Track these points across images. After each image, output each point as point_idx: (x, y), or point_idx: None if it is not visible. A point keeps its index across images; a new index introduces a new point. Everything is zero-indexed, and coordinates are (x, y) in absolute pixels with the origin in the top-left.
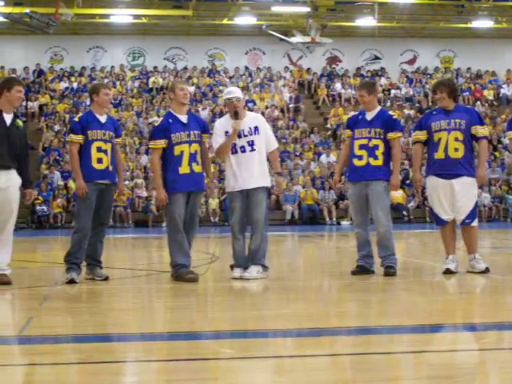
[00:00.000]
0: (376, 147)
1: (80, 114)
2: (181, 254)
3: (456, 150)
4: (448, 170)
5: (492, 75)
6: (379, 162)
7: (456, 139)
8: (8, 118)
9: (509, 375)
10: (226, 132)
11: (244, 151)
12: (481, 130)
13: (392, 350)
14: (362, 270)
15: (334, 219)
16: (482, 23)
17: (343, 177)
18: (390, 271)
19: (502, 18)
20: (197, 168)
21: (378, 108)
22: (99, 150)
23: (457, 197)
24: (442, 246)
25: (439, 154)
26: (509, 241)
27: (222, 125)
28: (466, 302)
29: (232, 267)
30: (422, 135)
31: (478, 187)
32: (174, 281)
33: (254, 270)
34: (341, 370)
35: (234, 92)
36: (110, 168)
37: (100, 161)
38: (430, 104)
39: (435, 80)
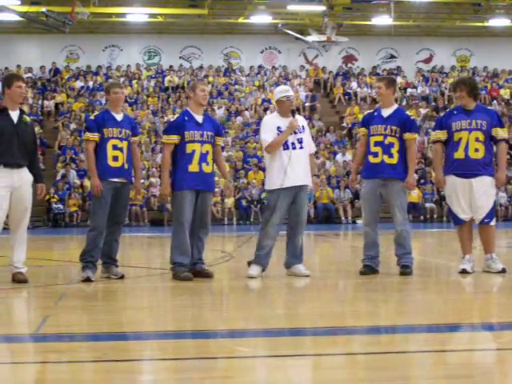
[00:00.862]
0: (391, 145)
1: (96, 113)
2: (180, 252)
3: (476, 150)
4: (467, 169)
5: (509, 74)
6: (394, 161)
7: (477, 139)
8: (14, 115)
9: None
10: (278, 127)
11: (295, 148)
12: (501, 132)
13: (408, 350)
14: (370, 269)
15: (350, 218)
16: (499, 22)
17: (359, 176)
18: (406, 271)
19: None
20: (206, 168)
21: (395, 106)
22: (115, 147)
23: (476, 196)
24: (458, 246)
25: (459, 154)
26: None
27: (273, 121)
28: (482, 302)
29: (250, 264)
30: (442, 134)
31: (496, 187)
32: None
33: (304, 268)
34: (357, 368)
35: (290, 91)
36: (126, 166)
37: (116, 159)
38: (446, 103)
39: (452, 78)
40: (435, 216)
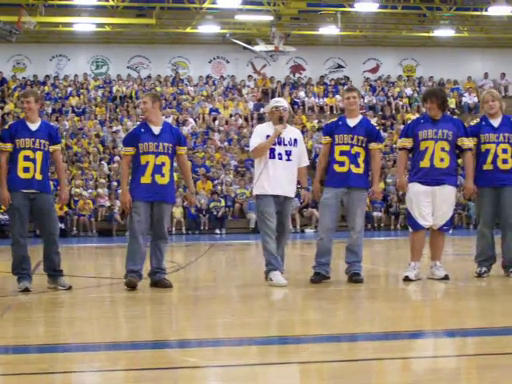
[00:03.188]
0: (358, 154)
1: (11, 122)
2: (132, 261)
3: (442, 160)
4: (432, 178)
5: (454, 84)
6: (360, 170)
7: (442, 149)
8: None
9: (471, 381)
10: (267, 136)
11: (281, 158)
12: (466, 142)
13: (357, 358)
14: (321, 277)
15: (298, 227)
16: (444, 32)
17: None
18: (358, 278)
19: (464, 28)
20: (161, 180)
21: (360, 116)
22: (26, 158)
23: (438, 204)
24: (405, 253)
25: (425, 163)
26: (471, 248)
27: (264, 129)
28: (429, 309)
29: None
30: (407, 142)
31: (467, 199)
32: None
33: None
34: (306, 377)
35: (282, 102)
36: (39, 177)
37: (26, 170)
38: (393, 112)
39: (399, 88)
40: (382, 224)
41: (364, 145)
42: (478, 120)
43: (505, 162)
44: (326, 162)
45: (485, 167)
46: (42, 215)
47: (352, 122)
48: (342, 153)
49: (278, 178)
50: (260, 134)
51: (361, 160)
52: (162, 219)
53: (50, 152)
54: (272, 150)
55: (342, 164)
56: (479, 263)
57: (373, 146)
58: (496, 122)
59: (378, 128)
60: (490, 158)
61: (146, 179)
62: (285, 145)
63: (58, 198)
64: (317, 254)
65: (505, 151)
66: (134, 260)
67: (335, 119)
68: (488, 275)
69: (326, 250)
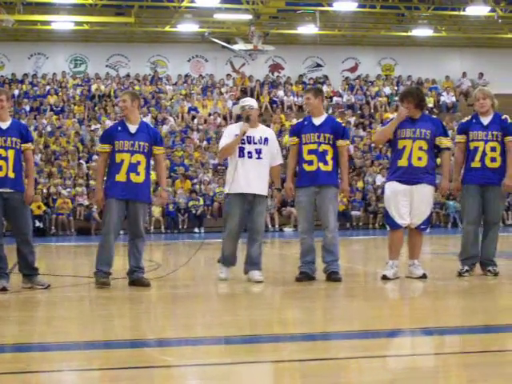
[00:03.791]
0: (326, 152)
1: None
2: (101, 259)
3: (419, 159)
4: (410, 177)
5: (432, 83)
6: (329, 168)
7: (420, 148)
8: None
9: (449, 380)
10: (236, 135)
11: (251, 157)
12: (445, 142)
13: (335, 356)
14: (306, 276)
15: (277, 226)
16: (422, 32)
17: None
18: (336, 277)
19: (442, 27)
20: (135, 178)
21: (325, 115)
22: None
23: (415, 203)
24: (384, 253)
25: (402, 162)
26: (449, 246)
27: (233, 129)
28: (408, 308)
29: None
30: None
31: (446, 198)
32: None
33: (258, 274)
34: (283, 376)
35: (248, 101)
36: (12, 175)
37: None
38: (372, 111)
39: (377, 87)
40: (361, 223)
41: (331, 142)
42: (470, 117)
43: (493, 160)
44: (295, 163)
45: (473, 165)
46: (14, 214)
47: (317, 120)
48: (310, 152)
49: (247, 177)
50: (229, 134)
51: (329, 157)
52: (137, 218)
53: (22, 151)
54: (241, 149)
55: (310, 163)
56: (461, 262)
57: (340, 143)
58: (486, 120)
59: (343, 125)
60: (478, 156)
61: (120, 177)
62: (255, 143)
63: (25, 196)
64: (301, 254)
65: (493, 149)
66: (104, 259)
67: (301, 120)
68: (470, 274)
69: (310, 248)
